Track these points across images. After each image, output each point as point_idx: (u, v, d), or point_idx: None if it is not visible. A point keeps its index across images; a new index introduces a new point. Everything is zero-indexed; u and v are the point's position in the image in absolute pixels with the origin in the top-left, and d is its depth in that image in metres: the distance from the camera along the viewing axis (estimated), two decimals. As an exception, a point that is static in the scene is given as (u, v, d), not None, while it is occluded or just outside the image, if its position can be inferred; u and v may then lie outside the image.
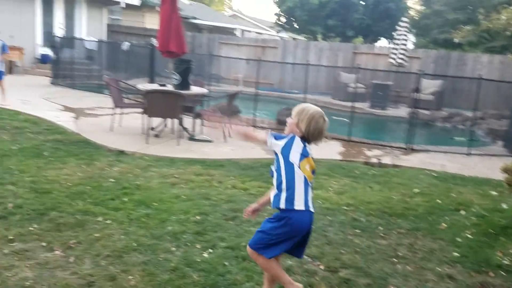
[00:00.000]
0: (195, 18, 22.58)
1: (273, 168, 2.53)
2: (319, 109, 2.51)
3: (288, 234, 2.42)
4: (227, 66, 16.14)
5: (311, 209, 2.49)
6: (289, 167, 2.44)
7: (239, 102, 9.45)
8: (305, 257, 3.29)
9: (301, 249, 2.57)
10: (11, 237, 3.24)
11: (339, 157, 6.91)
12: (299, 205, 2.43)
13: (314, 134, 2.46)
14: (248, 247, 2.54)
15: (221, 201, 4.35)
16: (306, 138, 2.48)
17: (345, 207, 4.46)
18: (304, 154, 2.47)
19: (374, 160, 6.78)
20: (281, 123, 9.04)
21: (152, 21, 20.04)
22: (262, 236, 2.47)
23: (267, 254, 2.45)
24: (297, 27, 26.80)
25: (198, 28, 23.15)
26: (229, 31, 25.47)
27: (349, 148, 7.64)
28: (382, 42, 26.37)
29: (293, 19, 26.30)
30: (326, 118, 2.49)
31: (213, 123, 7.66)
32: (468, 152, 7.71)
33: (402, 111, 12.24)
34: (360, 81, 11.91)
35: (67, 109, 8.93)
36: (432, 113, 11.94)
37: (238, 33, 26.65)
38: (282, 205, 2.43)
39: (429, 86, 13.06)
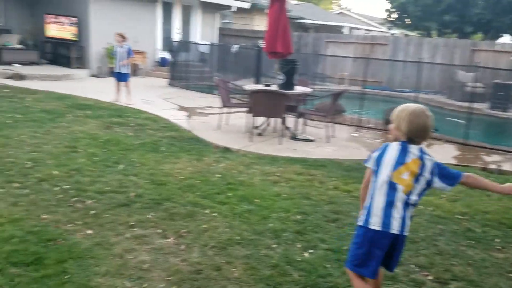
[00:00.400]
0: (302, 18, 22.69)
1: None
2: (419, 105, 2.32)
3: (366, 255, 2.23)
4: (332, 64, 15.94)
5: (393, 230, 2.19)
6: (375, 178, 2.28)
7: (345, 101, 9.28)
8: (412, 266, 3.15)
9: (391, 262, 2.33)
10: (132, 223, 3.61)
11: (453, 162, 6.40)
12: (374, 223, 2.22)
13: (418, 132, 2.22)
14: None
15: (322, 202, 4.33)
16: (411, 139, 2.25)
17: (458, 216, 4.15)
18: (400, 161, 2.22)
19: (493, 166, 6.16)
20: (389, 123, 8.66)
21: (260, 23, 20.63)
22: (349, 253, 2.37)
23: (356, 270, 2.30)
24: (410, 23, 25.41)
25: (304, 28, 23.23)
26: (336, 29, 25.09)
27: (465, 152, 7.03)
28: (505, 39, 23.77)
29: (406, 15, 24.98)
30: (429, 113, 2.27)
31: (316, 122, 7.64)
32: None
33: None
34: (479, 80, 10.88)
35: (181, 108, 9.63)
36: None
37: (345, 31, 26.13)
38: (360, 221, 2.30)
39: None
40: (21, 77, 10.86)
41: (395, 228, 2.18)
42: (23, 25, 13.63)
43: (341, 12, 35.35)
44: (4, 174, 4.48)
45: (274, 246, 3.35)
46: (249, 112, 7.12)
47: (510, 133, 10.62)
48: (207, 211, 3.96)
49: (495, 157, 6.75)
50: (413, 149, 2.25)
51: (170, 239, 3.38)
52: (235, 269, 2.99)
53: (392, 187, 2.21)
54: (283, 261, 3.11)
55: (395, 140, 2.31)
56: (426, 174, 2.20)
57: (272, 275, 2.92)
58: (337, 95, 7.54)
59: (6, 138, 5.77)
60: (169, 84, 13.07)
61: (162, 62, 15.04)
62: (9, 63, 11.79)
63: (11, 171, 4.57)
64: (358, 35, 21.56)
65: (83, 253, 3.04)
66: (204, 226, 3.64)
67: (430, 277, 3.02)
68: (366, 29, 29.58)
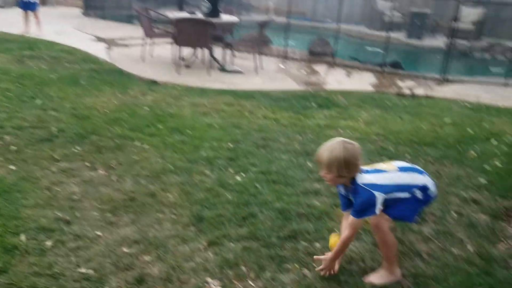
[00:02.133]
0: None
1: None
2: (339, 139, 2.21)
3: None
4: (258, -5, 15.58)
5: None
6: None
7: (271, 33, 9.27)
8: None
9: None
10: (57, 158, 3.49)
11: (371, 89, 6.82)
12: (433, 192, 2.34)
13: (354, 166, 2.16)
14: None
15: (252, 131, 4.46)
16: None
17: (374, 137, 4.50)
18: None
19: (407, 91, 6.66)
20: (314, 54, 8.88)
21: None
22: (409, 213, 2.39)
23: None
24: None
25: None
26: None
27: (382, 79, 7.49)
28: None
29: None
30: (353, 143, 2.20)
31: (243, 54, 7.61)
32: (506, 82, 7.44)
33: (440, 42, 11.69)
34: (396, 9, 11.33)
35: (99, 39, 9.03)
36: (471, 43, 11.37)
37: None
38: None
39: (470, 14, 12.29)
40: None
41: None
42: None
43: None
44: None
45: (208, 172, 3.44)
46: (174, 42, 6.88)
47: (424, 61, 11.40)
48: (137, 143, 3.92)
49: (409, 83, 7.27)
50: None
51: (99, 171, 3.34)
52: (169, 194, 3.06)
53: None
54: (216, 184, 3.23)
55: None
56: None
57: (207, 197, 3.04)
58: (263, 25, 7.50)
59: None
60: (84, 14, 12.10)
61: (74, -10, 13.73)
62: None
63: None
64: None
65: (8, 187, 2.93)
66: (135, 157, 3.63)
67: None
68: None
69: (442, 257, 2.52)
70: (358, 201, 2.17)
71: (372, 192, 2.13)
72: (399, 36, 11.87)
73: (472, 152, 4.16)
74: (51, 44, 7.97)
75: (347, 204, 2.33)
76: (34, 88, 5.26)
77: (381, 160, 3.85)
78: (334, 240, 2.36)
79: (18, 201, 2.79)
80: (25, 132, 3.94)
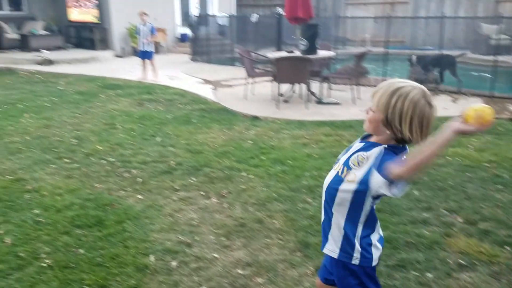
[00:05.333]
0: (318, -18, 22.25)
1: None
2: (417, 85, 1.54)
3: None
4: (353, 27, 15.73)
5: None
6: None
7: (368, 63, 9.28)
8: (442, 210, 3.34)
9: None
10: (177, 188, 3.91)
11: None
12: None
13: (420, 130, 1.48)
14: None
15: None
16: (402, 141, 1.54)
17: (486, 164, 4.27)
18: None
19: (522, 116, 6.17)
20: (416, 81, 8.65)
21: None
22: None
23: None
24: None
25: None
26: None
27: (492, 105, 7.02)
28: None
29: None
30: (432, 101, 1.51)
31: (340, 86, 7.72)
32: None
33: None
34: (503, 32, 10.61)
35: (206, 81, 9.84)
36: None
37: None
38: None
39: None
40: (49, 62, 11.25)
41: None
42: (46, 11, 13.94)
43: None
44: (53, 151, 4.83)
45: (310, 200, 3.58)
46: (274, 80, 7.27)
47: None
48: (244, 173, 4.22)
49: (523, 108, 6.73)
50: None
51: (213, 199, 3.66)
52: (275, 221, 3.25)
53: None
54: (319, 212, 3.33)
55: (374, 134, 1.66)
56: None
57: (310, 224, 3.17)
58: (360, 56, 7.58)
59: (48, 119, 6.14)
60: (191, 59, 13.26)
61: (183, 38, 15.18)
62: (37, 50, 12.17)
63: (59, 149, 4.93)
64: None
65: (138, 214, 3.36)
66: (242, 186, 3.91)
67: (460, 219, 3.20)
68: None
69: None
70: (386, 158, 1.48)
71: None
72: (508, 59, 11.03)
73: None
74: (165, 88, 8.88)
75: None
76: (154, 127, 5.92)
77: (496, 190, 3.66)
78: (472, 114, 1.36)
79: (146, 226, 3.19)
80: (149, 166, 4.46)
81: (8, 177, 4.07)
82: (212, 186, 3.93)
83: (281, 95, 7.45)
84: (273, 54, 7.89)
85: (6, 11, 13.41)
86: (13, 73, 10.20)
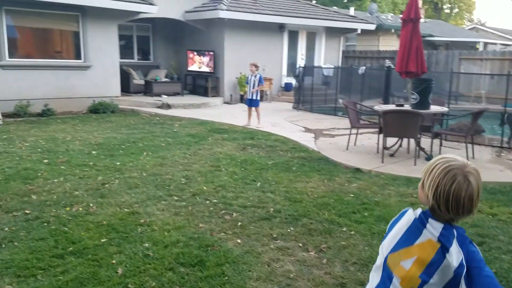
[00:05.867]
0: (431, 36, 21.69)
1: None
2: (465, 161, 1.46)
3: None
4: (467, 82, 14.87)
5: None
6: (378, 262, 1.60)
7: (482, 121, 8.62)
8: None
9: None
10: (275, 236, 3.90)
11: None
12: None
13: (448, 203, 1.40)
14: None
15: (466, 224, 4.12)
16: (438, 211, 1.45)
17: None
18: (404, 242, 1.50)
19: None
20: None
21: (386, 44, 20.26)
22: None
23: None
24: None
25: (434, 45, 22.13)
26: (468, 46, 23.34)
27: None
28: None
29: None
30: (473, 179, 1.42)
31: (452, 142, 7.23)
32: None
33: None
34: None
35: (308, 130, 9.93)
36: None
37: (479, 46, 24.15)
38: None
39: None
40: (168, 106, 12.33)
41: None
42: (168, 61, 15.51)
43: (474, 27, 32.83)
44: (165, 188, 5.19)
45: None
46: (379, 132, 7.08)
47: None
48: (344, 229, 4.07)
49: None
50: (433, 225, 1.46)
51: (311, 253, 3.57)
52: (378, 285, 3.04)
53: (387, 276, 1.52)
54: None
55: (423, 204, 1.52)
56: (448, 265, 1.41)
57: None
58: (477, 114, 7.08)
59: (163, 158, 6.65)
60: (294, 108, 13.55)
61: (287, 87, 15.68)
62: (158, 95, 13.47)
63: (170, 186, 5.27)
64: (495, 50, 19.78)
65: (236, 258, 3.40)
66: (343, 243, 3.76)
67: None
68: (503, 44, 26.91)
69: None
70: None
71: None
72: None
73: None
74: (267, 135, 9.14)
75: None
76: (255, 172, 6.07)
77: None
78: None
79: (244, 272, 3.20)
80: (249, 210, 4.54)
81: (125, 209, 4.44)
82: (311, 239, 3.85)
83: (386, 148, 7.19)
84: (380, 106, 7.73)
85: (136, 59, 15.19)
86: (136, 114, 11.36)
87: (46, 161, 6.22)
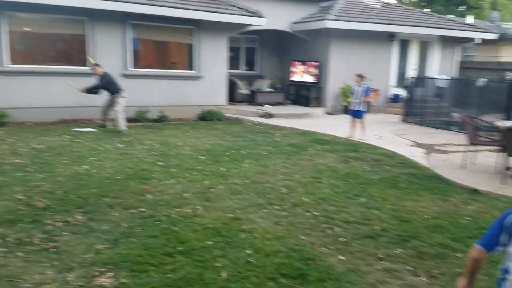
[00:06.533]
0: None
1: None
2: None
3: None
4: None
5: None
6: None
7: None
8: None
9: None
10: (381, 256, 3.68)
11: None
12: None
13: None
14: None
15: None
16: None
17: None
18: None
19: None
20: None
21: (508, 54, 18.41)
22: None
23: None
24: None
25: None
26: None
27: None
28: None
29: None
30: None
31: None
32: None
33: None
34: None
35: (417, 144, 9.33)
36: None
37: None
38: None
39: None
40: (270, 115, 12.55)
41: None
42: (272, 71, 15.84)
43: None
44: (266, 197, 5.24)
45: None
46: (502, 151, 6.36)
47: None
48: (459, 254, 3.71)
49: None
50: None
51: (422, 278, 3.30)
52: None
53: None
54: None
55: None
56: None
57: None
58: None
59: (264, 167, 6.74)
60: (402, 120, 12.87)
61: (394, 99, 14.96)
62: (261, 104, 13.80)
63: (271, 195, 5.31)
64: None
65: (339, 276, 3.27)
66: (457, 269, 3.42)
67: None
68: None
69: None
70: None
71: None
72: None
73: None
74: (372, 148, 8.77)
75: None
76: (358, 187, 5.83)
77: None
78: None
79: (348, 290, 3.06)
80: (352, 226, 4.36)
81: (229, 214, 4.57)
82: (421, 263, 3.56)
83: (509, 168, 6.44)
84: (503, 122, 6.95)
85: (242, 70, 15.75)
86: (240, 123, 11.75)
87: (160, 163, 6.69)
